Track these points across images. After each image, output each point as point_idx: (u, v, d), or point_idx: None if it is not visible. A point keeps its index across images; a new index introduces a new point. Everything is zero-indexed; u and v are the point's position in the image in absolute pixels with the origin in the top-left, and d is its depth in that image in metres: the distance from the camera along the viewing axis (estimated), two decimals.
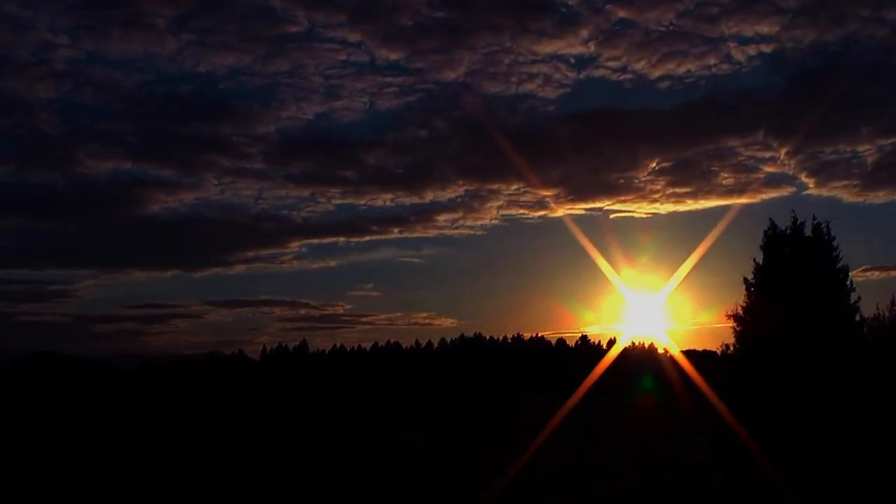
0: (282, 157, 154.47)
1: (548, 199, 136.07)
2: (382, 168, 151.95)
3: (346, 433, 37.55)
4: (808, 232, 26.32)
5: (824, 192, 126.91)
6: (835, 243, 26.03)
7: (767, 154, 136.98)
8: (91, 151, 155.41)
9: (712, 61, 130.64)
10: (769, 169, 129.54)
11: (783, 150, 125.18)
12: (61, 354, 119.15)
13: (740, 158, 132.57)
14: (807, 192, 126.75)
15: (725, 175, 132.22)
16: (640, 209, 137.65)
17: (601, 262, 55.21)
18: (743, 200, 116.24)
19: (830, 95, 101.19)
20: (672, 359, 53.16)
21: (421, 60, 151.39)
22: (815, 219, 26.44)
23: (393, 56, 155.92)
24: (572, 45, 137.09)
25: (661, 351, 77.76)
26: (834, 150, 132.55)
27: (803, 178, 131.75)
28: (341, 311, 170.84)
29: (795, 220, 26.57)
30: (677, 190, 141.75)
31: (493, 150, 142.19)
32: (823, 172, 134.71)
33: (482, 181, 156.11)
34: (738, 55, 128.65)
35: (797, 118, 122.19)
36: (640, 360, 78.75)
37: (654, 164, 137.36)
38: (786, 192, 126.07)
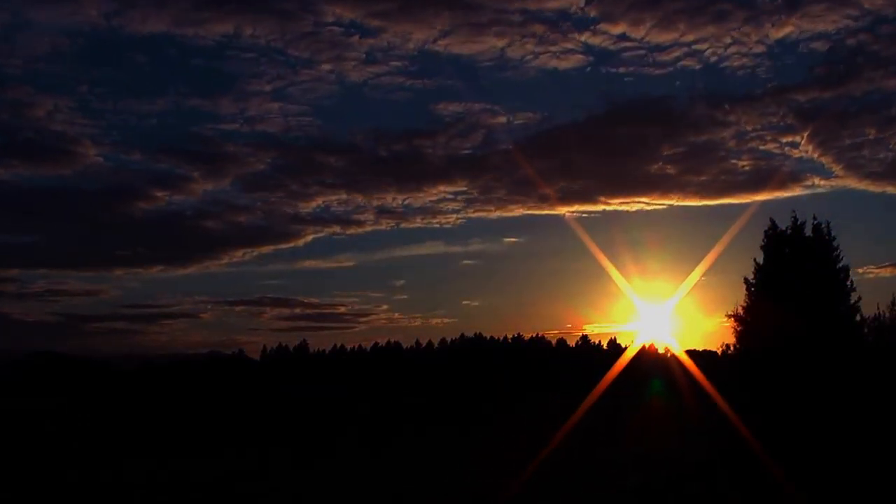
0: (258, 143, 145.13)
1: (550, 194, 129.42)
2: (372, 155, 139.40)
3: (346, 433, 37.51)
4: (808, 232, 26.32)
5: (848, 182, 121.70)
6: (835, 243, 26.04)
7: (788, 138, 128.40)
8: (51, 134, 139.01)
9: (729, 28, 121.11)
10: (791, 154, 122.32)
11: (805, 134, 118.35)
12: (61, 354, 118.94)
13: (759, 144, 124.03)
14: (830, 180, 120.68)
15: (744, 163, 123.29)
16: (652, 202, 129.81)
17: (604, 260, 54.85)
18: (761, 197, 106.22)
19: (858, 75, 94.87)
20: (674, 359, 53.08)
21: (383, 19, 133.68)
22: (815, 219, 26.46)
23: (351, 14, 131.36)
24: (570, 3, 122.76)
25: (661, 351, 77.80)
26: (861, 133, 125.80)
27: (826, 164, 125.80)
28: (342, 311, 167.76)
29: (796, 219, 26.56)
30: (690, 178, 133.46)
31: (488, 139, 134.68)
32: (847, 159, 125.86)
33: (478, 174, 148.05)
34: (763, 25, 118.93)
35: (821, 99, 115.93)
36: (643, 360, 78.62)
37: (665, 152, 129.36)
38: (808, 181, 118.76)
